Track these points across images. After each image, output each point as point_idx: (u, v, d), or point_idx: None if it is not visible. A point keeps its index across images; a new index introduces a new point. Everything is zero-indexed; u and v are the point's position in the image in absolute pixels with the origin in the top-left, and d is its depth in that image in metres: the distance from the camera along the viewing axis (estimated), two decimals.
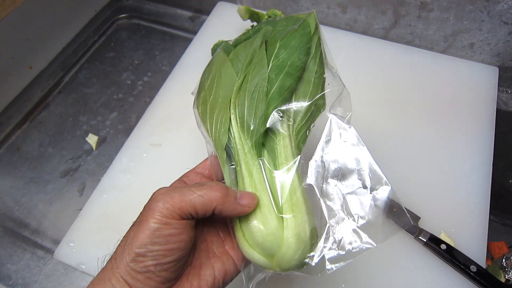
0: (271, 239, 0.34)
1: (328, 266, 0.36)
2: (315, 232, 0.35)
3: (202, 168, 0.41)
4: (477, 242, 0.55)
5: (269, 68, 0.37)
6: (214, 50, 0.71)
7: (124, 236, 0.33)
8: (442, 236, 0.55)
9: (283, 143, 0.37)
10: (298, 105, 0.38)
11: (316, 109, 0.39)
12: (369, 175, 0.39)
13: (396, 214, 0.57)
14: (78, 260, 0.56)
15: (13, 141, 0.73)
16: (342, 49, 0.75)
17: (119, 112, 0.77)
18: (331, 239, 0.36)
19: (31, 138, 0.73)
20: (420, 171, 0.61)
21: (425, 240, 0.54)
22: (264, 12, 0.71)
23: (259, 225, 0.34)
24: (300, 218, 0.34)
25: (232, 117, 0.37)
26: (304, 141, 0.39)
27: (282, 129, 0.37)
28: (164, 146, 0.66)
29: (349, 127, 0.41)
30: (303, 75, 0.38)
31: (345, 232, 0.37)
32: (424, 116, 0.66)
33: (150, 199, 0.33)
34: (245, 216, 0.35)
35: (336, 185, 0.39)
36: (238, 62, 0.40)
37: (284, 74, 0.37)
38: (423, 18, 0.70)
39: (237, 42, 0.43)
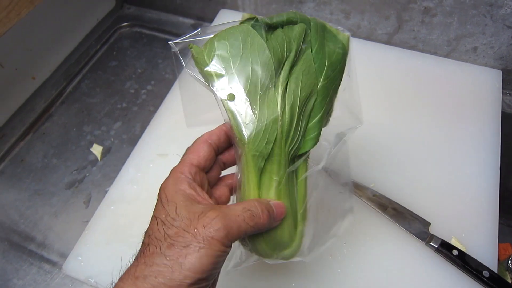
0: (286, 239, 0.38)
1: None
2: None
3: (197, 161, 0.39)
4: (488, 247, 0.55)
5: (319, 86, 0.38)
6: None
7: (161, 256, 0.31)
8: (453, 242, 0.55)
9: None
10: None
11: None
12: None
13: (407, 220, 0.57)
14: (87, 274, 0.55)
15: (17, 152, 0.73)
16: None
17: (123, 121, 0.76)
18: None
19: (35, 150, 0.73)
20: (427, 176, 0.61)
21: (436, 246, 0.53)
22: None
23: (279, 229, 0.38)
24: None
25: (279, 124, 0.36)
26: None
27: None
28: (171, 156, 0.65)
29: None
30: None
31: None
32: (429, 121, 0.67)
33: (201, 218, 0.32)
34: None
35: None
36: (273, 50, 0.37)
37: (328, 99, 0.39)
38: (426, 23, 0.71)
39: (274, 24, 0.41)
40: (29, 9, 0.61)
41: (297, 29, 0.39)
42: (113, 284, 0.32)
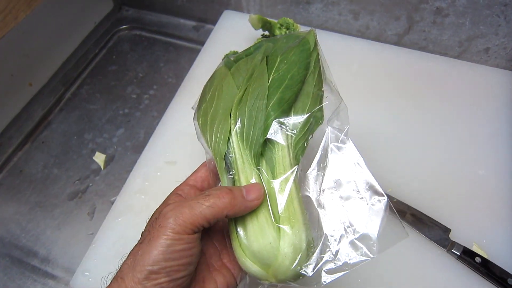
0: (268, 249, 0.34)
1: (324, 277, 0.36)
2: (312, 242, 0.36)
3: (194, 181, 0.41)
4: (510, 252, 0.54)
5: (270, 81, 0.39)
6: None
7: (129, 255, 0.33)
8: (475, 248, 0.53)
9: (282, 153, 0.38)
10: (297, 117, 0.39)
11: (314, 122, 0.40)
12: (365, 187, 0.40)
13: (426, 227, 0.55)
14: None
15: (15, 163, 0.69)
16: (354, 56, 0.74)
17: (126, 128, 0.73)
18: (327, 250, 0.37)
19: (34, 160, 0.69)
20: (444, 181, 0.59)
21: (458, 254, 0.52)
22: (276, 21, 0.69)
23: (256, 235, 0.35)
24: (297, 228, 0.35)
25: (232, 127, 0.38)
26: (302, 152, 0.40)
27: (281, 140, 0.38)
28: (179, 164, 0.63)
29: (347, 140, 0.42)
30: (302, 89, 0.40)
31: (342, 244, 0.38)
32: (442, 124, 0.65)
33: (157, 216, 0.34)
34: (242, 226, 0.36)
35: (332, 196, 0.39)
36: (239, 76, 0.41)
37: (284, 87, 0.38)
38: (438, 24, 0.69)
39: (238, 58, 0.45)
40: (26, 13, 0.58)
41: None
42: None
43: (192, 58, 0.75)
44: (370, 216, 0.38)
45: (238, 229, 0.36)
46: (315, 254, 0.36)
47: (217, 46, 0.76)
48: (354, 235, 0.38)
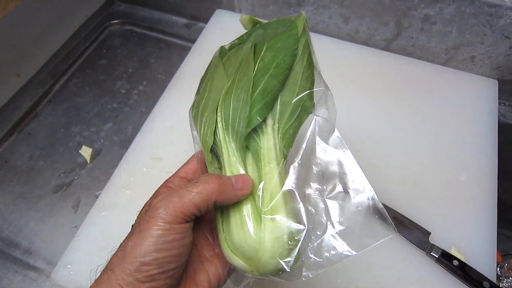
0: (249, 242, 0.34)
1: (305, 272, 0.36)
2: (294, 236, 0.35)
3: (185, 173, 0.41)
4: (487, 257, 0.55)
5: (255, 70, 0.37)
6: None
7: (120, 246, 0.33)
8: (453, 252, 0.55)
9: (267, 145, 0.37)
10: (283, 107, 0.38)
11: (303, 111, 0.39)
12: (351, 180, 0.40)
13: (407, 229, 0.56)
14: (77, 283, 0.53)
15: (1, 153, 0.69)
16: (343, 59, 0.75)
17: (114, 122, 0.73)
18: (309, 245, 0.36)
19: (20, 151, 0.69)
20: (426, 185, 0.61)
21: (437, 256, 0.53)
22: (266, 22, 0.69)
23: (238, 228, 0.35)
24: (278, 222, 0.34)
25: (219, 119, 0.38)
26: (290, 143, 0.39)
27: (266, 132, 0.37)
28: (165, 160, 0.63)
29: (335, 130, 0.40)
30: (290, 77, 0.38)
31: (324, 239, 0.37)
32: (426, 129, 0.66)
33: (147, 208, 0.33)
34: (226, 218, 0.36)
35: (317, 190, 0.39)
36: (230, 66, 0.40)
37: (268, 76, 0.37)
38: (425, 31, 0.70)
39: (232, 46, 0.44)
40: (15, 3, 0.57)
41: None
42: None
43: (182, 55, 0.76)
44: (355, 211, 0.38)
45: (223, 222, 0.36)
46: (296, 249, 0.35)
47: (207, 44, 0.76)
48: (336, 230, 0.37)
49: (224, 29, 0.78)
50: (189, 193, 0.32)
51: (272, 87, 0.37)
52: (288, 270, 0.34)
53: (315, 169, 0.38)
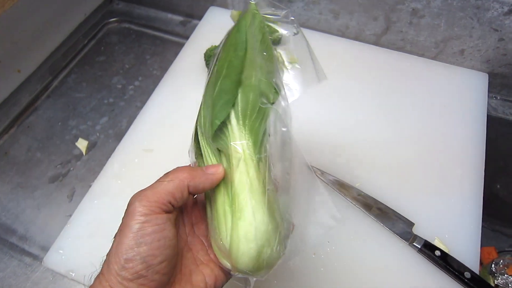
0: (224, 241, 0.34)
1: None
2: (264, 232, 0.34)
3: None
4: (470, 248, 0.55)
5: (215, 72, 0.38)
6: (206, 55, 0.71)
7: (108, 252, 0.33)
8: (436, 243, 0.55)
9: (233, 144, 0.37)
10: (243, 103, 0.37)
11: (266, 101, 0.38)
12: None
13: (391, 220, 0.57)
14: (67, 268, 0.55)
15: (1, 145, 0.72)
16: (334, 55, 0.76)
17: (110, 116, 0.76)
18: (278, 238, 0.36)
19: (19, 143, 0.72)
20: (413, 177, 0.61)
21: (419, 247, 0.54)
22: None
23: (217, 228, 0.35)
24: (248, 219, 0.34)
25: (198, 127, 0.39)
26: (259, 138, 0.38)
27: (232, 131, 0.37)
28: (156, 152, 0.65)
29: (290, 119, 0.40)
30: (244, 71, 0.37)
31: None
32: (415, 122, 0.67)
33: (126, 208, 0.33)
34: (210, 219, 0.36)
35: (283, 180, 0.39)
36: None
37: (222, 77, 0.37)
38: (414, 25, 0.71)
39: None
40: (13, 1, 0.60)
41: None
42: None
43: (177, 52, 0.78)
44: (310, 202, 0.39)
45: (209, 222, 0.37)
46: (268, 244, 0.34)
47: (200, 41, 0.78)
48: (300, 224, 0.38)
49: (217, 25, 0.80)
50: (161, 182, 0.33)
51: (227, 87, 0.37)
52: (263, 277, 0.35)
53: (280, 159, 0.39)
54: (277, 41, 0.70)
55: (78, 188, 0.67)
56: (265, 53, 0.38)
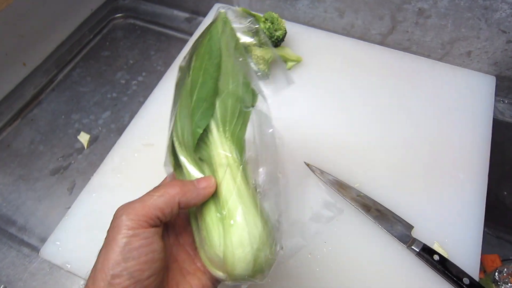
0: (216, 249, 0.34)
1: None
2: (258, 236, 0.34)
3: None
4: (470, 254, 0.54)
5: (190, 82, 0.37)
6: None
7: (93, 266, 0.32)
8: (435, 247, 0.54)
9: (216, 152, 0.36)
10: (222, 109, 0.37)
11: (245, 105, 0.38)
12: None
13: (390, 222, 0.56)
14: (64, 259, 0.55)
15: (4, 138, 0.73)
16: (338, 54, 0.75)
17: (113, 111, 0.76)
18: (275, 241, 0.36)
19: (22, 136, 0.72)
20: (414, 179, 0.60)
21: (417, 250, 0.53)
22: (261, 15, 0.70)
23: (207, 237, 0.34)
24: (238, 225, 0.33)
25: (174, 138, 0.37)
26: (242, 142, 0.38)
27: (213, 139, 0.36)
28: (156, 146, 0.65)
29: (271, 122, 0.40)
30: (220, 78, 0.37)
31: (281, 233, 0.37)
32: (419, 124, 0.66)
33: (112, 220, 0.32)
34: (198, 229, 0.35)
35: (265, 184, 0.38)
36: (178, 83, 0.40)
37: (199, 85, 0.37)
38: (420, 25, 0.70)
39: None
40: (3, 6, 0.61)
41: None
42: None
43: (181, 48, 0.78)
44: (306, 199, 0.39)
45: (197, 233, 0.36)
46: (263, 247, 0.34)
47: None
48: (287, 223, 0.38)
49: None
50: (151, 196, 0.32)
51: (204, 95, 0.36)
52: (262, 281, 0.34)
53: (261, 163, 0.38)
54: (280, 39, 0.69)
55: (78, 181, 0.67)
56: (240, 59, 0.38)
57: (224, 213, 0.34)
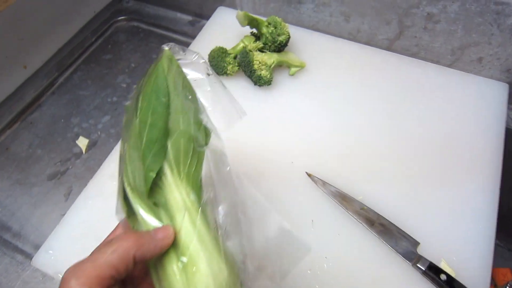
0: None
1: None
2: (224, 281, 0.32)
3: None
4: (481, 271, 0.51)
5: (138, 124, 0.35)
6: (210, 56, 0.69)
7: None
8: (443, 265, 0.51)
9: (172, 196, 0.34)
10: (174, 150, 0.34)
11: (198, 144, 0.36)
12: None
13: (394, 238, 0.53)
14: (56, 269, 0.54)
15: (2, 141, 0.72)
16: (343, 59, 0.73)
17: (112, 115, 0.75)
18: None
19: (21, 139, 0.72)
20: (420, 192, 0.57)
21: (423, 269, 0.50)
22: (264, 19, 0.68)
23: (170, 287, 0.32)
24: (201, 271, 0.31)
25: (126, 184, 0.34)
26: (198, 183, 0.36)
27: (167, 182, 0.34)
28: None
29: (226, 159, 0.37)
30: (170, 117, 0.35)
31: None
32: (427, 133, 0.63)
33: (59, 285, 0.29)
34: (159, 280, 0.33)
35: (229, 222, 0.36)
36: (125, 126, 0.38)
37: (149, 126, 0.34)
38: (429, 30, 0.67)
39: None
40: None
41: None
42: None
43: None
44: (268, 238, 0.36)
45: (157, 284, 0.33)
46: None
47: (206, 41, 0.76)
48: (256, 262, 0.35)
49: (223, 26, 0.78)
50: (103, 254, 0.29)
51: (155, 136, 0.34)
52: None
53: (220, 202, 0.36)
54: (284, 44, 0.67)
55: (75, 187, 0.66)
56: (190, 97, 0.36)
57: (186, 260, 0.31)
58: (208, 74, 0.40)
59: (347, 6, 0.70)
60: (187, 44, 0.79)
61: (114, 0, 0.91)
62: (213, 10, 0.81)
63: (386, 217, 0.54)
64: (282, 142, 0.63)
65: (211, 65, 0.70)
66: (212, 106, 0.39)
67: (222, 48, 0.69)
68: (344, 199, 0.56)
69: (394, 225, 0.54)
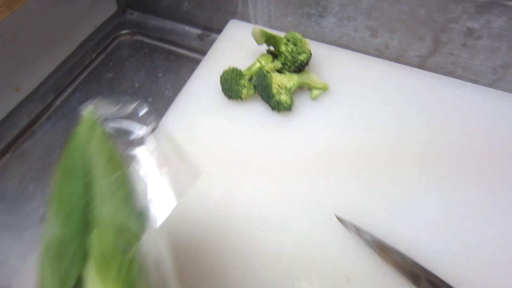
0: None
1: None
2: None
3: None
4: None
5: (53, 214, 0.28)
6: (223, 78, 0.62)
7: None
8: None
9: None
10: (98, 249, 0.27)
11: (132, 238, 0.29)
12: None
13: None
14: None
15: None
16: (369, 77, 0.65)
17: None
18: None
19: (11, 173, 0.64)
20: (476, 239, 0.49)
21: None
22: (282, 35, 0.61)
23: None
24: None
25: None
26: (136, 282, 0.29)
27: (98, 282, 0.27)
28: None
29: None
30: (93, 203, 0.29)
31: None
32: (468, 161, 0.56)
33: None
34: None
35: None
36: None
37: (65, 219, 0.28)
38: (469, 47, 0.60)
39: None
40: (5, 15, 0.53)
41: None
42: None
43: (193, 70, 0.69)
44: None
45: None
46: None
47: (218, 58, 0.69)
48: None
49: (237, 41, 0.71)
50: None
51: (71, 233, 0.27)
52: None
53: None
54: (305, 64, 0.60)
55: None
56: (118, 172, 0.29)
57: None
58: (154, 128, 0.33)
59: (374, 20, 0.63)
60: (196, 61, 0.72)
61: (117, 12, 0.84)
62: (224, 23, 0.74)
63: (434, 272, 0.46)
64: (306, 177, 0.56)
65: (223, 89, 0.62)
66: (159, 168, 0.31)
67: (236, 69, 0.61)
68: (382, 249, 0.48)
69: (444, 282, 0.46)
